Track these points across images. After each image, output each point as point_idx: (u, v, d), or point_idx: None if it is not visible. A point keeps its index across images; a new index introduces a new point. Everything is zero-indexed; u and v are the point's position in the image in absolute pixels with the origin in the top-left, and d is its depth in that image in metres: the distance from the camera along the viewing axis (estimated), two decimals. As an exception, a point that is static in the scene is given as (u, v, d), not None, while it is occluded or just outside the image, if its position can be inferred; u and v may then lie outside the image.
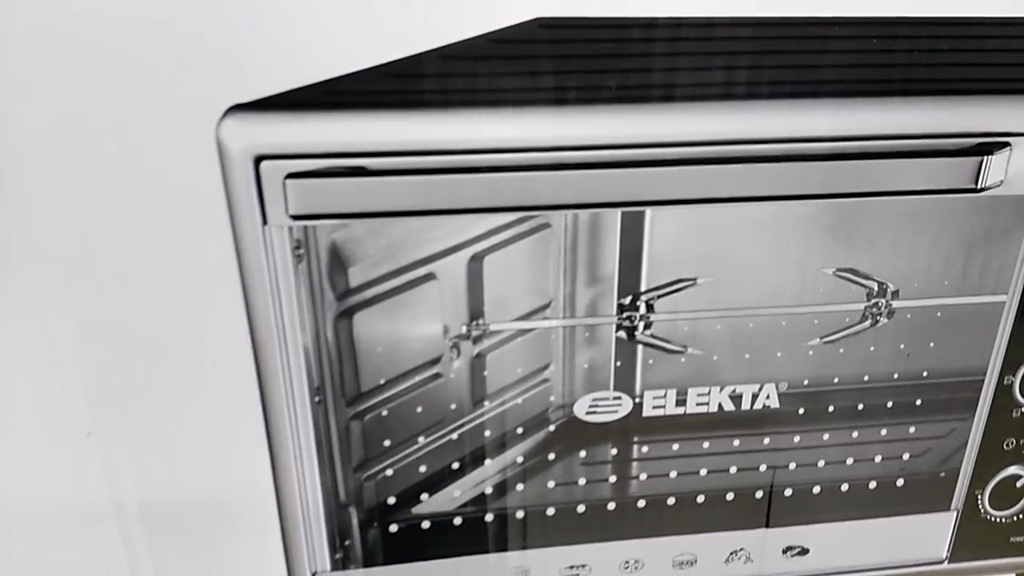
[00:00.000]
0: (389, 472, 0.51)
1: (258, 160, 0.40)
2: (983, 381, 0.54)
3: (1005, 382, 0.54)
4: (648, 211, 0.48)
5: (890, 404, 0.55)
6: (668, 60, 0.43)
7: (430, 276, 0.48)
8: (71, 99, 0.39)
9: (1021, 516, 0.59)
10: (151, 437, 0.46)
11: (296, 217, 0.42)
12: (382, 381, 0.49)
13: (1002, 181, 0.46)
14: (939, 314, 0.53)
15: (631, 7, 0.41)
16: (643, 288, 0.50)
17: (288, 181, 0.41)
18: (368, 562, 0.53)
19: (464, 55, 0.41)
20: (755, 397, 0.53)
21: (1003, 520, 0.59)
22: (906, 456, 0.57)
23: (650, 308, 0.50)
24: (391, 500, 0.52)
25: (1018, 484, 0.58)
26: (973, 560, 0.60)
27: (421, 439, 0.51)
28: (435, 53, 0.40)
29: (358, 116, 0.41)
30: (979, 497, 0.58)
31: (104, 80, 0.39)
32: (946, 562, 0.60)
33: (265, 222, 0.42)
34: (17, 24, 0.37)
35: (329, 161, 0.41)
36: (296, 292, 0.44)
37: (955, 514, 0.59)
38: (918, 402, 0.55)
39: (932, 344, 0.54)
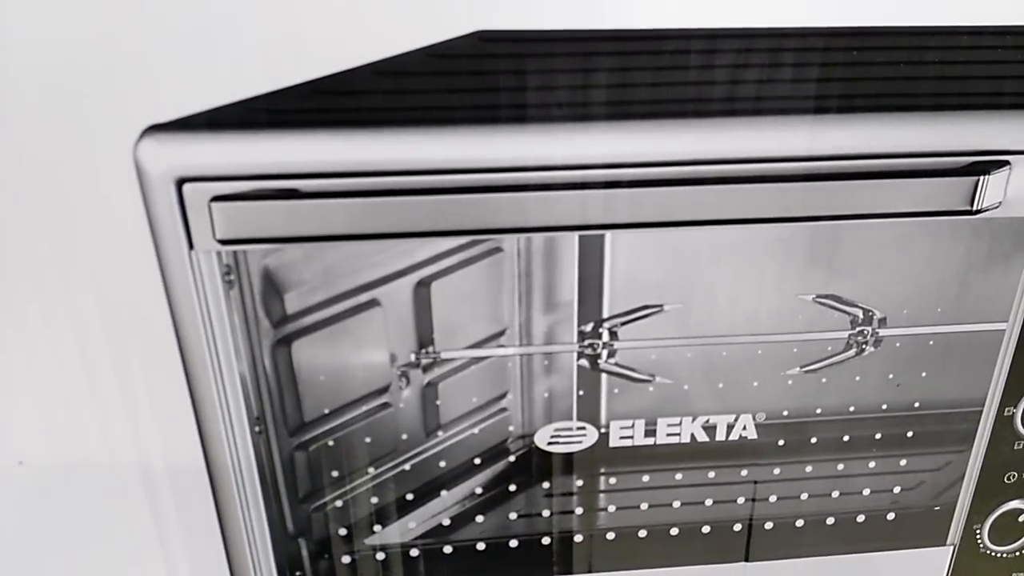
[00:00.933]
0: (339, 503, 0.49)
1: (180, 182, 0.38)
2: (981, 412, 0.51)
3: (1006, 413, 0.52)
4: (608, 234, 0.45)
5: (879, 436, 0.52)
6: (622, 75, 0.40)
7: (373, 302, 0.45)
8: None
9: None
10: (84, 467, 0.45)
11: (224, 242, 0.39)
12: (326, 411, 0.47)
13: (1000, 203, 0.43)
14: (932, 343, 0.50)
15: (578, 20, 0.38)
16: (605, 315, 0.47)
17: (214, 204, 0.38)
18: (321, 594, 0.51)
19: (401, 70, 0.38)
20: (730, 428, 0.50)
21: (1004, 555, 0.56)
22: (897, 489, 0.54)
23: (613, 335, 0.47)
24: (342, 531, 0.49)
25: (1021, 519, 0.55)
26: (970, 596, 0.57)
27: (371, 470, 0.49)
28: (369, 68, 0.38)
29: (288, 135, 0.38)
30: (978, 531, 0.55)
31: (14, 99, 0.36)
32: (941, 598, 0.57)
33: (191, 247, 0.39)
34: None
35: (258, 183, 0.38)
36: (229, 319, 0.42)
37: (952, 549, 0.56)
38: (909, 434, 0.52)
39: (924, 374, 0.51)
